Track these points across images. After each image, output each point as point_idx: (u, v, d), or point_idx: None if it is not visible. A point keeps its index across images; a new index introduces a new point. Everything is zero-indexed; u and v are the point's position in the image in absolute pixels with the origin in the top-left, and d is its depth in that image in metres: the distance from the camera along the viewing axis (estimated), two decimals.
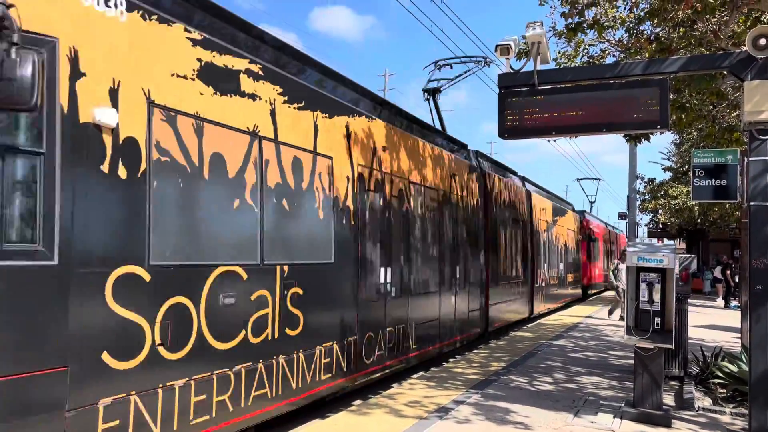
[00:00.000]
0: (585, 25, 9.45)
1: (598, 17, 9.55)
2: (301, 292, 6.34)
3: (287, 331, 6.15)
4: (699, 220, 29.19)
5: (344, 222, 7.29)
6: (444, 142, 11.26)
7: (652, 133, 9.93)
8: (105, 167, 4.31)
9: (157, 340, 4.65)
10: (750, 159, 6.35)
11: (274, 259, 5.97)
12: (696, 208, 26.69)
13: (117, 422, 4.33)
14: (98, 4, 4.34)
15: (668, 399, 7.61)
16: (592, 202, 33.09)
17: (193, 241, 5.05)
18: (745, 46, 6.39)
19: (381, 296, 8.17)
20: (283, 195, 6.17)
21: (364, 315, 7.66)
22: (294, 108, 6.41)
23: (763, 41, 6.17)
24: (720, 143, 11.01)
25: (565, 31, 9.59)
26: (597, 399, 7.58)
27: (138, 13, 4.64)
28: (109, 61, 4.39)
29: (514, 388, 8.15)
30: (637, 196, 27.13)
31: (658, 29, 9.61)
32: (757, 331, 6.10)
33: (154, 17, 4.78)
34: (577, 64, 10.62)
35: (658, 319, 6.45)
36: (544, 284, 18.16)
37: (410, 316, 9.05)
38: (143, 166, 4.60)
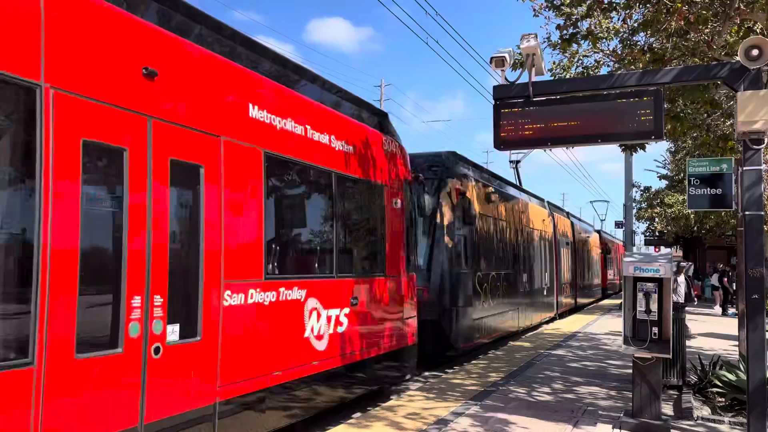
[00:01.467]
0: (579, 36, 9.50)
1: (593, 28, 9.61)
2: (506, 284, 14.41)
3: (503, 299, 14.13)
4: (695, 228, 29.23)
5: (518, 253, 15.80)
6: (537, 200, 19.75)
7: (647, 143, 9.95)
8: (475, 240, 12.37)
9: (483, 298, 12.48)
10: (744, 168, 6.38)
11: (497, 270, 13.81)
12: (692, 216, 26.74)
13: (473, 331, 12.00)
14: (471, 181, 12.57)
15: (667, 408, 7.59)
16: (602, 220, 37.37)
17: (491, 262, 13.36)
18: (737, 56, 6.44)
19: (525, 291, 16.42)
20: (505, 243, 14.75)
21: (518, 298, 15.62)
22: (503, 203, 14.77)
23: (755, 52, 6.22)
24: (715, 152, 11.04)
25: (560, 42, 9.65)
26: (596, 409, 7.57)
27: (475, 182, 12.83)
28: (473, 202, 12.33)
29: (513, 399, 8.13)
30: (634, 204, 27.22)
31: (651, 40, 9.67)
32: (754, 340, 6.09)
33: (476, 182, 12.95)
34: (572, 75, 10.67)
35: (655, 329, 6.44)
36: (581, 286, 26.42)
37: (529, 303, 16.84)
38: (480, 237, 12.69)
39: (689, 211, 24.82)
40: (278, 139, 6.07)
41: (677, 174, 26.88)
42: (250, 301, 5.55)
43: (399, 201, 8.30)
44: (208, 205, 5.11)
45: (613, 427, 6.70)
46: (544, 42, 10.37)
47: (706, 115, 10.97)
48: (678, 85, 7.85)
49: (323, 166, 6.80)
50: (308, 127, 6.59)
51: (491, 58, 7.24)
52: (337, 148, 7.09)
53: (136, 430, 4.32)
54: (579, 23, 9.45)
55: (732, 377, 7.66)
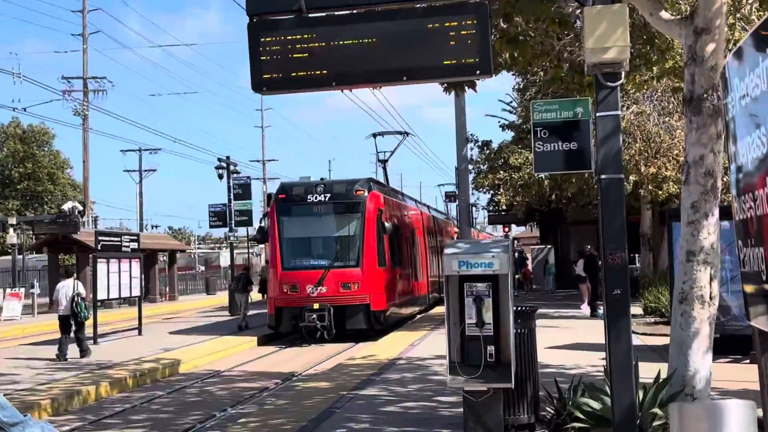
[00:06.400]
0: None
1: None
2: None
3: None
4: (553, 198, 31.32)
5: None
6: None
7: (475, 80, 10.53)
8: None
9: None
10: (598, 114, 7.01)
11: None
12: (546, 182, 28.47)
13: None
14: None
15: None
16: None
17: None
18: None
19: None
20: None
21: None
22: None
23: None
24: (570, 90, 11.98)
25: None
26: None
27: None
28: None
29: None
30: (470, 167, 28.65)
31: None
32: (618, 351, 6.73)
33: None
34: None
35: (491, 348, 6.88)
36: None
37: None
38: None
39: (543, 176, 25.90)
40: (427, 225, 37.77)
41: (526, 121, 28.27)
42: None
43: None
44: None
45: None
46: None
47: (556, 38, 11.85)
48: None
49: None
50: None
51: None
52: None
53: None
54: None
55: (596, 405, 8.47)
